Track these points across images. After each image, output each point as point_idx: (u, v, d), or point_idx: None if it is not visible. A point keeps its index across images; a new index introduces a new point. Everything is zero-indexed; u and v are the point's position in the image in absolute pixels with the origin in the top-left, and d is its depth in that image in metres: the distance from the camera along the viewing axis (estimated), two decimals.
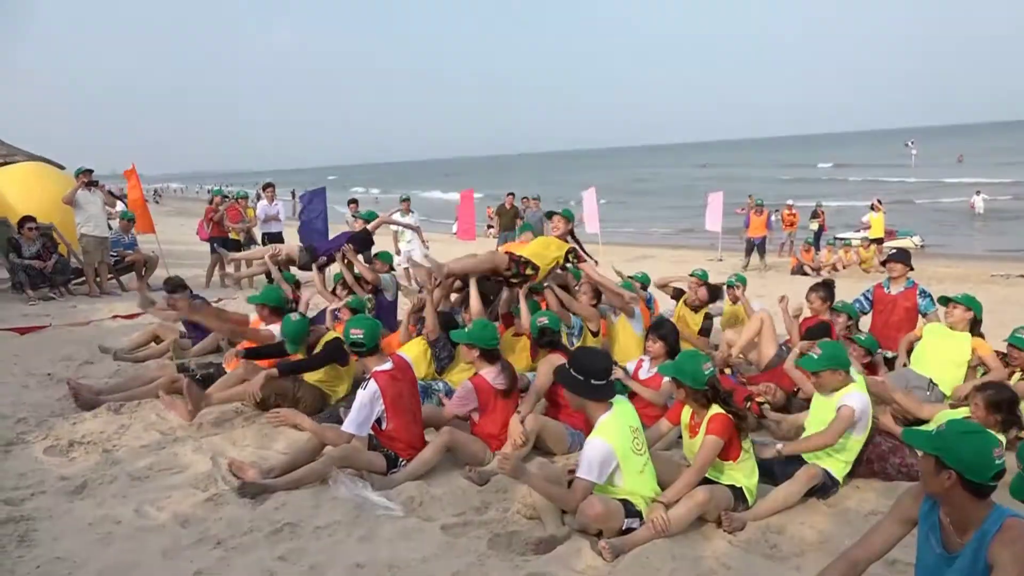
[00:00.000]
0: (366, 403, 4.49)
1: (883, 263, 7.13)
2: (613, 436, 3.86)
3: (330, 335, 5.82)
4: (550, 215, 6.78)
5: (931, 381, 5.61)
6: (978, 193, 30.31)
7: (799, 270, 17.57)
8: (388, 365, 4.66)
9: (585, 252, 6.57)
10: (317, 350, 5.72)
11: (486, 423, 4.98)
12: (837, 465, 4.45)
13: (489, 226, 22.18)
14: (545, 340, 5.66)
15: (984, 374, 5.52)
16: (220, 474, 4.52)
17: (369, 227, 8.43)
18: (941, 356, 5.65)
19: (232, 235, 13.39)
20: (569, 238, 6.59)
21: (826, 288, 6.79)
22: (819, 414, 4.55)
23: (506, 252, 6.36)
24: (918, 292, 6.61)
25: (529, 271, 6.23)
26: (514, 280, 6.31)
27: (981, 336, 5.77)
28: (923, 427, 4.20)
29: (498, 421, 4.95)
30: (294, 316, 5.77)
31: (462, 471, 4.62)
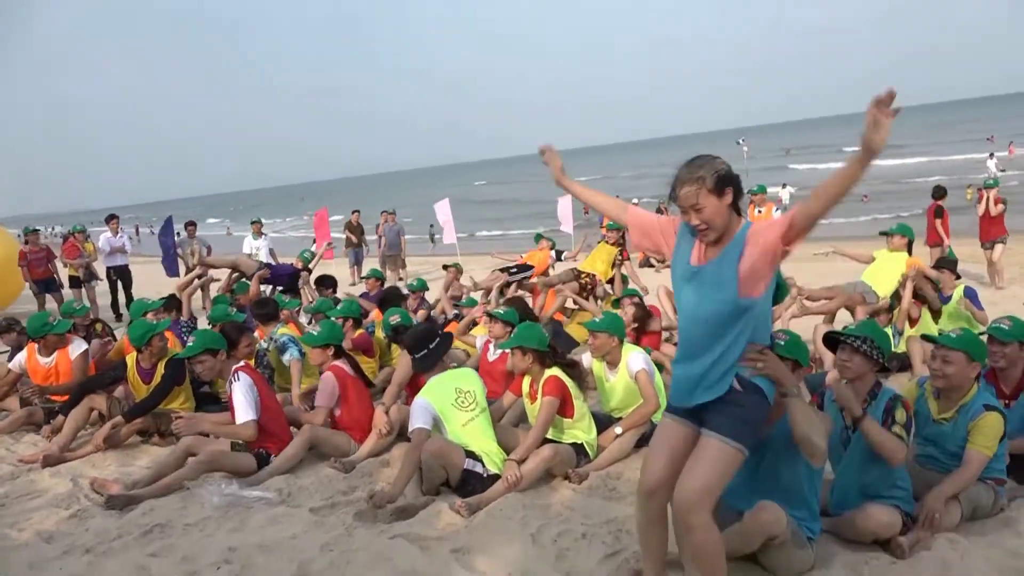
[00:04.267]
0: (246, 391, 4.71)
1: None
2: (431, 392, 4.46)
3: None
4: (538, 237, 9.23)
5: (872, 289, 6.96)
6: (784, 186, 32.58)
7: (646, 263, 18.71)
8: (242, 362, 4.96)
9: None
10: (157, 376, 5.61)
11: (345, 414, 5.20)
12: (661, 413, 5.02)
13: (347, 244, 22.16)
14: (400, 337, 5.98)
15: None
16: (83, 493, 4.54)
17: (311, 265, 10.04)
18: (884, 270, 6.99)
19: (70, 271, 12.77)
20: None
21: None
22: (618, 391, 5.03)
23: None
24: None
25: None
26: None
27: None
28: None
29: (356, 410, 5.20)
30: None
31: (328, 463, 4.84)
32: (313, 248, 14.06)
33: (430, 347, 4.59)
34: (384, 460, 4.92)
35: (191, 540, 3.83)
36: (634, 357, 4.93)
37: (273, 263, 12.79)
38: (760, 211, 11.23)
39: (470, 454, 4.31)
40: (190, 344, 5.00)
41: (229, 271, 9.48)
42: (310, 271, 10.05)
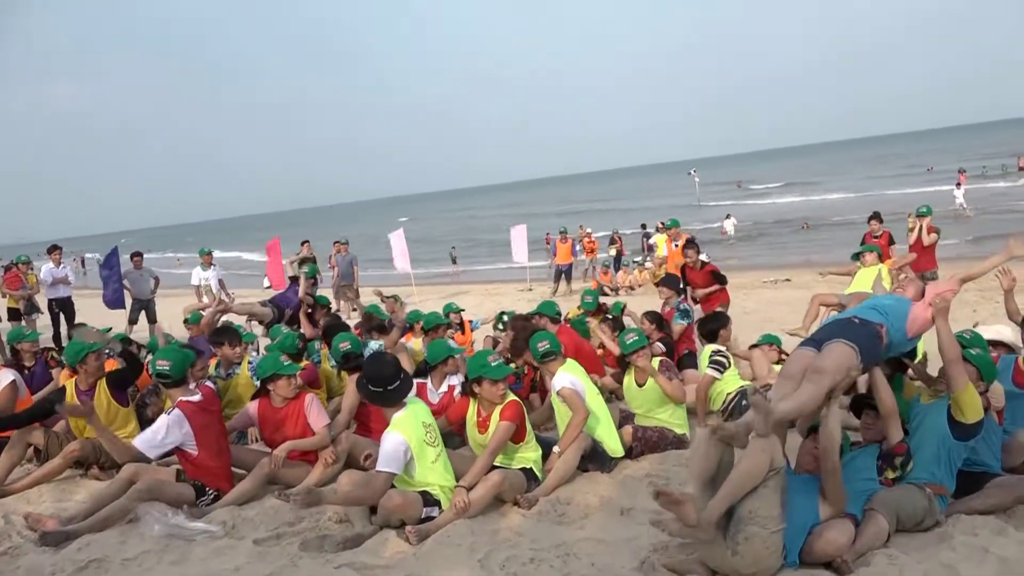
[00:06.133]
0: (164, 427, 4.57)
1: (657, 284, 8.31)
2: (405, 428, 4.23)
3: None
4: None
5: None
6: (728, 217, 32.43)
7: (599, 291, 18.88)
8: (197, 397, 4.76)
9: None
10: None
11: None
12: (604, 432, 5.08)
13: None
14: (350, 364, 5.92)
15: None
16: (15, 530, 4.38)
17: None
18: (866, 281, 7.66)
19: (10, 303, 12.42)
20: None
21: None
22: (556, 406, 5.19)
23: None
24: (675, 310, 7.95)
25: None
26: None
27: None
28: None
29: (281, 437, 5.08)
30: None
31: (274, 493, 4.73)
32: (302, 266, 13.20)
33: (393, 386, 4.33)
34: (332, 490, 4.83)
35: (129, 575, 3.71)
36: (559, 377, 5.06)
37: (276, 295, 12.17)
38: (677, 244, 11.04)
39: (428, 500, 4.23)
40: (164, 367, 4.77)
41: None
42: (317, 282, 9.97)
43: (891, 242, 10.90)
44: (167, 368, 4.75)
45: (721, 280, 8.91)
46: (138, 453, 4.60)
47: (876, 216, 11.15)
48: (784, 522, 3.34)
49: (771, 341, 6.75)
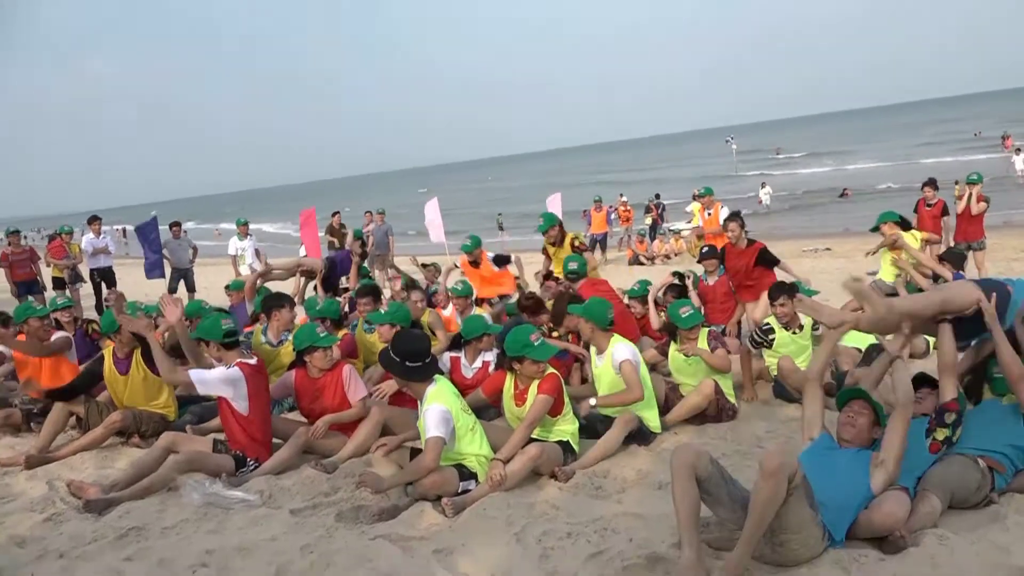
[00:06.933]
0: (220, 375, 4.66)
1: (699, 260, 8.00)
2: (445, 399, 4.21)
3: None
4: None
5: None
6: (763, 186, 31.17)
7: (635, 261, 18.75)
8: (253, 361, 4.83)
9: None
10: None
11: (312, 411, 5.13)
12: (646, 408, 4.98)
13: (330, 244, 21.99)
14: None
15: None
16: (59, 496, 4.46)
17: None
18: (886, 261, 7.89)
19: (54, 272, 12.67)
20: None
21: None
22: (604, 379, 5.05)
23: None
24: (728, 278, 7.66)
25: None
26: None
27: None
28: None
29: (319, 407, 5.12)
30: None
31: (310, 464, 4.75)
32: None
33: (429, 359, 4.34)
34: (368, 460, 4.84)
35: (168, 543, 3.76)
36: (619, 348, 4.93)
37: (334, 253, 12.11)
38: (709, 213, 10.38)
39: (464, 473, 4.21)
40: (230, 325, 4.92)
41: (297, 275, 9.45)
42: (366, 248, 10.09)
43: (944, 212, 10.36)
44: (232, 326, 4.90)
45: (769, 262, 7.51)
46: (185, 379, 4.72)
47: (931, 183, 10.59)
48: (818, 514, 3.22)
49: (808, 293, 6.54)
